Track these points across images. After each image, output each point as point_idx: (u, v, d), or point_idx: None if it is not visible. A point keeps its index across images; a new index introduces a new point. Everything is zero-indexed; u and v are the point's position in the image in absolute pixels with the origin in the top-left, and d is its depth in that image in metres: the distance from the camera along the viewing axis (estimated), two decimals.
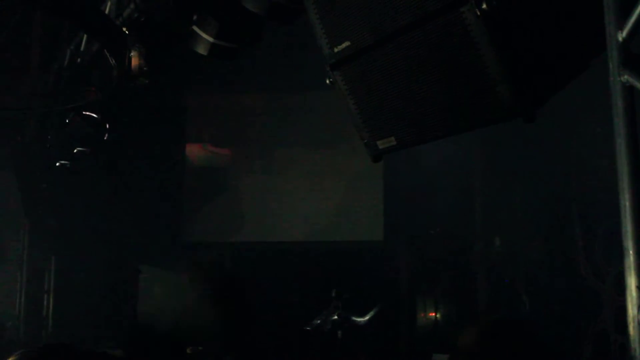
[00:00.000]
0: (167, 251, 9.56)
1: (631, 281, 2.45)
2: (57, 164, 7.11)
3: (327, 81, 3.63)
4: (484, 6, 2.85)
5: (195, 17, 5.43)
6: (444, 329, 8.87)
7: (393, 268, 9.07)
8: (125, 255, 9.24)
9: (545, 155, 7.96)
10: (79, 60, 6.64)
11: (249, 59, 6.71)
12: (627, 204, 2.40)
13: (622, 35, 2.55)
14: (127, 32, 5.58)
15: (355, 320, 6.49)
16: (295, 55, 7.80)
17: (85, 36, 6.52)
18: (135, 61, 5.30)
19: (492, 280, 8.64)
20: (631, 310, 2.49)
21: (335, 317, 6.34)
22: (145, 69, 5.33)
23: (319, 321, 6.44)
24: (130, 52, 5.30)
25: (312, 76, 4.15)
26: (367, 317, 6.42)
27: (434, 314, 9.06)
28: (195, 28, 5.43)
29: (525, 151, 8.02)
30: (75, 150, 6.95)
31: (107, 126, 6.84)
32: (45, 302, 8.90)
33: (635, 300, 2.46)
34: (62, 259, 8.88)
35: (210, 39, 5.35)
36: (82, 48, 6.67)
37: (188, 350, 4.64)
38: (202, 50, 5.41)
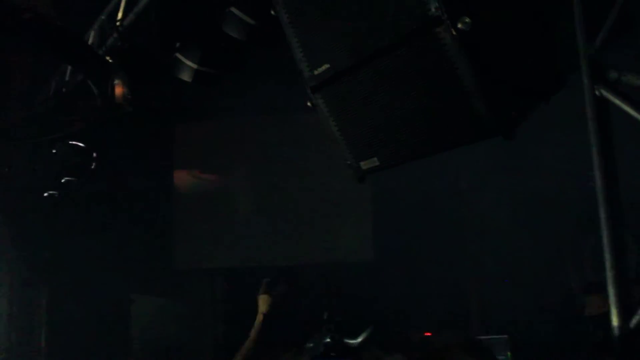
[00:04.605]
0: (159, 279, 9.54)
1: (612, 291, 2.47)
2: (45, 194, 7.09)
3: (309, 104, 3.65)
4: (459, 26, 2.88)
5: (178, 45, 5.46)
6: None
7: (384, 288, 9.04)
8: (117, 284, 9.20)
9: (533, 169, 7.99)
10: (64, 89, 6.64)
11: (234, 84, 6.73)
12: (604, 216, 2.42)
13: (593, 50, 2.58)
14: (110, 60, 5.59)
15: (348, 343, 6.44)
16: (281, 79, 7.82)
17: (69, 66, 6.53)
18: (118, 89, 5.31)
19: (483, 298, 8.63)
20: (615, 320, 2.51)
21: (328, 339, 6.29)
22: (129, 97, 5.33)
23: (311, 344, 6.38)
24: (113, 81, 5.30)
25: (298, 98, 4.17)
26: (359, 339, 6.37)
27: (429, 334, 9.00)
28: (178, 55, 5.45)
29: (514, 167, 8.04)
30: (63, 180, 6.93)
31: (95, 155, 6.83)
32: (38, 334, 8.84)
33: (617, 310, 2.49)
34: (54, 290, 8.84)
35: (194, 66, 5.37)
36: (67, 78, 6.68)
37: None
38: (185, 77, 5.43)
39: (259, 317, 4.72)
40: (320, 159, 8.67)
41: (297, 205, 9.06)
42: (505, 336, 7.03)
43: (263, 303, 4.68)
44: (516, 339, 7.15)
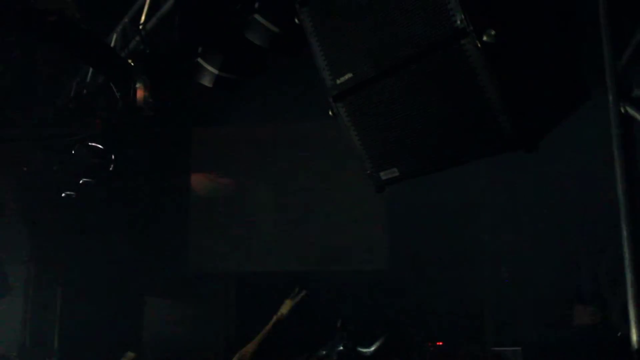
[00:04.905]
0: (173, 281, 9.56)
1: (632, 308, 2.46)
2: (63, 195, 7.13)
3: (330, 113, 3.65)
4: (485, 38, 2.87)
5: (200, 50, 5.47)
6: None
7: (398, 297, 9.01)
8: (131, 286, 9.24)
9: (553, 183, 7.96)
10: (84, 91, 6.69)
11: (252, 90, 6.75)
12: (626, 232, 2.41)
13: (620, 66, 2.57)
14: (132, 64, 5.62)
15: (361, 351, 6.42)
16: (298, 86, 7.82)
17: (91, 68, 6.58)
18: (140, 93, 5.33)
19: (499, 308, 8.59)
20: (635, 337, 2.50)
21: (341, 347, 6.28)
22: (150, 100, 5.36)
23: (324, 352, 6.37)
24: (135, 84, 5.33)
25: (316, 106, 4.17)
26: (373, 348, 6.36)
27: (441, 343, 8.97)
28: (200, 60, 5.46)
29: (532, 180, 8.02)
30: (80, 181, 6.98)
31: (113, 157, 6.87)
32: (51, 333, 8.89)
33: (637, 326, 2.48)
34: (68, 290, 8.89)
35: (215, 71, 5.37)
36: (88, 80, 6.73)
37: None
38: (206, 82, 5.44)
39: (273, 318, 4.85)
40: (335, 166, 8.68)
41: (313, 212, 9.06)
42: (519, 348, 6.99)
43: (284, 307, 4.83)
44: (530, 350, 7.11)
